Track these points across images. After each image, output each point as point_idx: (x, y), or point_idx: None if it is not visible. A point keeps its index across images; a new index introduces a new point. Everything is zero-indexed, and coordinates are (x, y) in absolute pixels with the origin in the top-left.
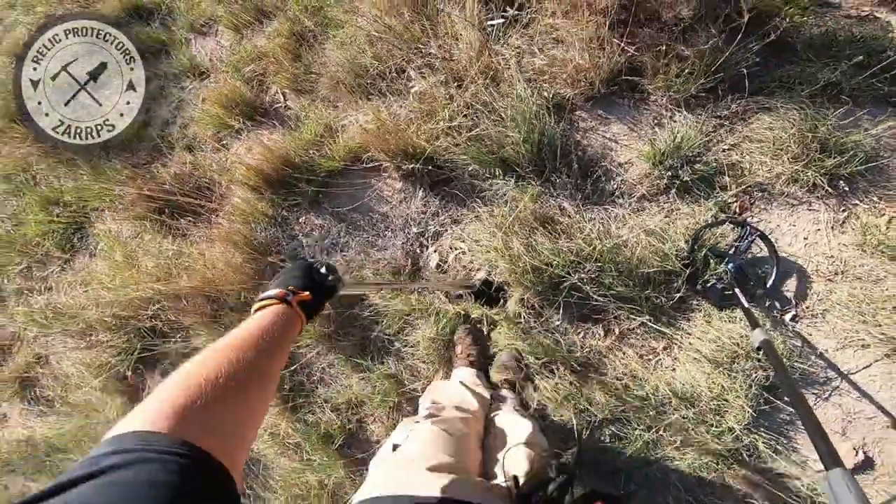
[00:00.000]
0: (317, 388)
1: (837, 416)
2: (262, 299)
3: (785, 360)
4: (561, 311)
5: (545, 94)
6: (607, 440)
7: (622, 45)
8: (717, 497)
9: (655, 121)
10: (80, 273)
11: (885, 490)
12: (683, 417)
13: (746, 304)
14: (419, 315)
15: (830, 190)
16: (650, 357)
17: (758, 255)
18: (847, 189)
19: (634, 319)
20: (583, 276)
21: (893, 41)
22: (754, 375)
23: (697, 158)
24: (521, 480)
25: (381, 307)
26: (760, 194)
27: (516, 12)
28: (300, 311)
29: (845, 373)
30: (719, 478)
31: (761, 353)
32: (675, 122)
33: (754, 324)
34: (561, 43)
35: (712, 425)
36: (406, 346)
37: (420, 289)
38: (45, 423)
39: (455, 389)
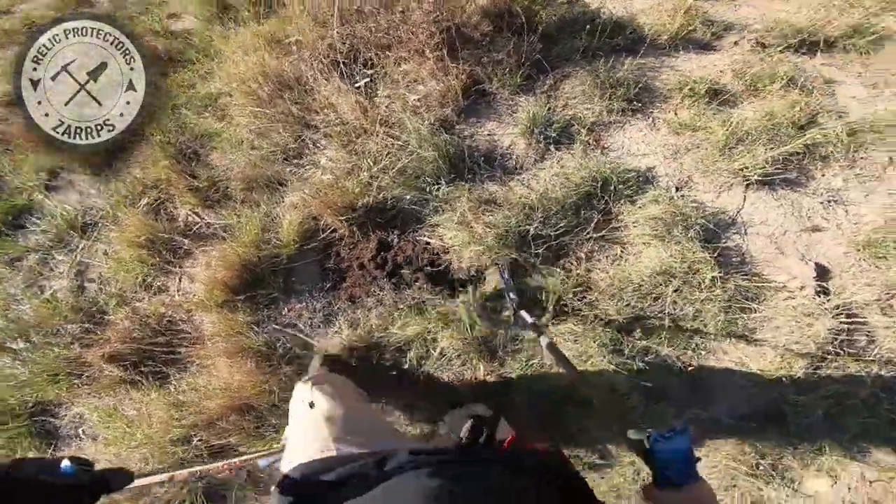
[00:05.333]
0: None
1: (765, 243)
2: None
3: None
4: (538, 263)
5: (430, 119)
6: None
7: (457, 67)
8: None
9: (509, 110)
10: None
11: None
12: (675, 290)
13: (530, 320)
14: (436, 328)
15: (634, 108)
16: (617, 261)
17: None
18: (640, 105)
19: (589, 240)
20: (536, 224)
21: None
22: (689, 233)
23: (550, 122)
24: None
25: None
26: (602, 127)
27: (372, 70)
28: None
29: (737, 211)
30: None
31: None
32: (520, 106)
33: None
34: (416, 81)
35: (698, 286)
36: (439, 360)
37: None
38: None
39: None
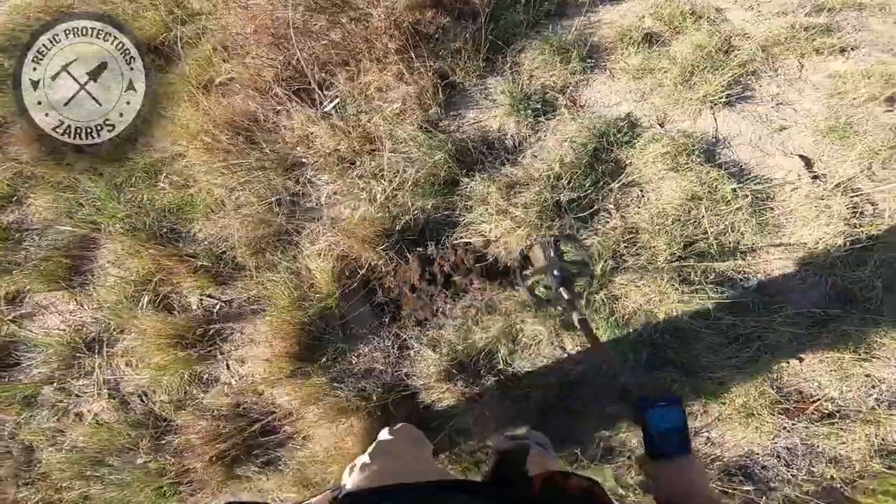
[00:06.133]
0: None
1: (749, 150)
2: None
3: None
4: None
5: (416, 123)
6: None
7: (423, 65)
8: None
9: (482, 94)
10: None
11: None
12: (707, 210)
13: (567, 297)
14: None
15: (590, 65)
16: (642, 201)
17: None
18: (594, 62)
19: (611, 191)
20: (565, 190)
21: None
22: (693, 158)
23: (528, 95)
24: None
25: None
26: (574, 88)
27: (334, 89)
28: None
29: (715, 131)
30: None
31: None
32: (491, 87)
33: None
34: (382, 90)
35: (723, 201)
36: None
37: None
38: None
39: None
